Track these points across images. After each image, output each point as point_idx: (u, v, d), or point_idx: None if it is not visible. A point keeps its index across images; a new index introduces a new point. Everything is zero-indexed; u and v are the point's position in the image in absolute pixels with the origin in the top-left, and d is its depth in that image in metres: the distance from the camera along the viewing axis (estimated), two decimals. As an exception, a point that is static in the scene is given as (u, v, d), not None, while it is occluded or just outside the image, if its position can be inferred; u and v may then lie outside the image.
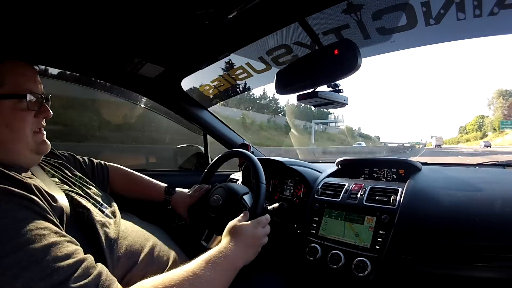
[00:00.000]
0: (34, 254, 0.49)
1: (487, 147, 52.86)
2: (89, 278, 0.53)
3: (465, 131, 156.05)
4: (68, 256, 0.53)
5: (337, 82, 0.97)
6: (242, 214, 0.92)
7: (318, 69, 0.95)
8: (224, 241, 0.80)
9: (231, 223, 0.87)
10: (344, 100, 0.99)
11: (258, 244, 0.86)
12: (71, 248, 0.56)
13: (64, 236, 0.57)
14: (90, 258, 0.57)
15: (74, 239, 0.59)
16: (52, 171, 0.84)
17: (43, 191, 0.63)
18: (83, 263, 0.54)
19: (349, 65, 0.84)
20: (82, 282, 0.51)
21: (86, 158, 1.11)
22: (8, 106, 0.69)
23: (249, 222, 0.88)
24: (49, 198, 0.63)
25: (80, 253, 0.57)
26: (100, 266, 0.58)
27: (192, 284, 0.61)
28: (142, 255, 0.79)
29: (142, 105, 1.84)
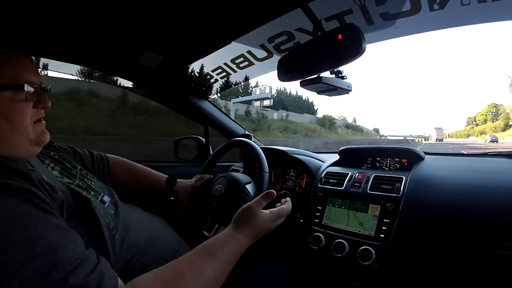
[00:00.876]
0: (32, 251, 0.47)
1: (493, 141, 47.44)
2: (90, 274, 0.51)
3: (474, 122, 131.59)
4: (68, 252, 0.51)
5: (340, 68, 0.96)
6: (263, 195, 0.82)
7: (321, 55, 0.93)
8: (232, 227, 0.75)
9: (249, 208, 0.78)
10: (348, 86, 0.98)
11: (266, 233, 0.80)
12: (72, 243, 0.54)
13: (65, 230, 0.55)
14: (91, 253, 0.56)
15: (75, 233, 0.57)
16: (52, 164, 0.83)
17: (44, 182, 0.61)
18: (84, 259, 0.53)
19: (354, 50, 0.83)
20: (82, 280, 0.49)
21: (85, 150, 1.10)
22: (6, 97, 0.67)
23: (268, 212, 0.80)
24: (49, 189, 0.61)
25: (81, 248, 0.55)
26: (101, 262, 0.56)
27: (194, 276, 0.59)
28: (144, 246, 0.78)
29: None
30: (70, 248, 0.52)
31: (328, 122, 60.66)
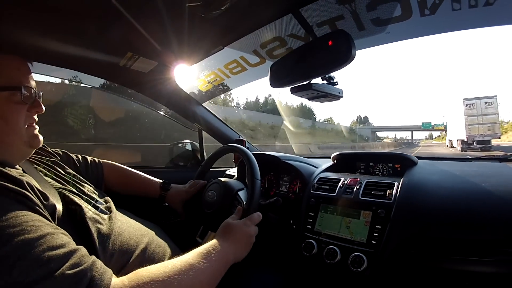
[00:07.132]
0: (29, 243, 0.50)
1: None
2: (84, 265, 0.53)
3: None
4: (63, 245, 0.54)
5: (332, 74, 0.96)
6: (236, 211, 0.96)
7: (312, 61, 0.94)
8: (216, 237, 0.82)
9: (225, 222, 0.90)
10: (339, 92, 0.98)
11: (249, 242, 0.88)
12: (65, 239, 0.56)
13: (57, 228, 0.58)
14: (83, 248, 0.58)
15: (67, 233, 0.59)
16: (45, 170, 0.84)
17: (35, 189, 0.63)
18: (77, 252, 0.55)
19: (344, 56, 0.83)
20: (77, 269, 0.51)
21: (79, 156, 1.10)
22: (2, 98, 0.69)
23: (241, 220, 0.91)
24: (41, 196, 0.63)
25: (73, 244, 0.57)
26: (93, 257, 0.58)
27: (186, 273, 0.63)
28: (137, 252, 0.78)
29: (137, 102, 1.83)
30: (64, 242, 0.55)
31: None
